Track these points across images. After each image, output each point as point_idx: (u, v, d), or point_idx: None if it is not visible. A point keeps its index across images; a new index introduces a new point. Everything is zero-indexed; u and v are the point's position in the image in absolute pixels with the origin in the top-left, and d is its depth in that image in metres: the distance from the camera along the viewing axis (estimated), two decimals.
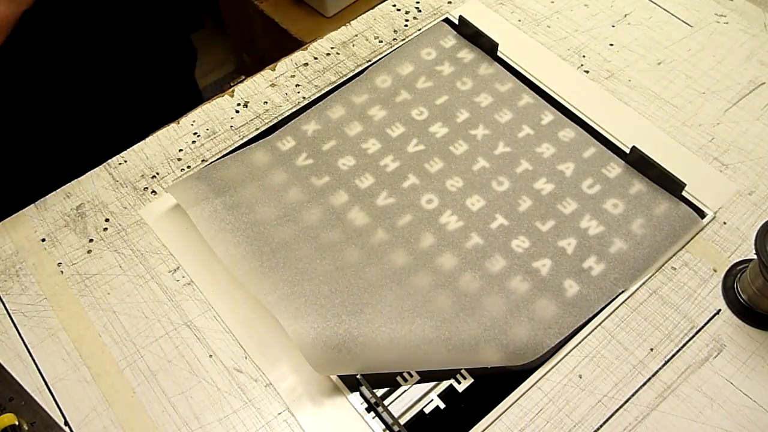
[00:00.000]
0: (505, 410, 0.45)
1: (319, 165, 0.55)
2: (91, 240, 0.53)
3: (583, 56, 0.62)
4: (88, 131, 0.70)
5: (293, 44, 1.12)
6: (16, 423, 0.44)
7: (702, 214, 0.52)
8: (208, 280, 0.50)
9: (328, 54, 0.63)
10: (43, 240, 0.53)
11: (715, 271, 0.50)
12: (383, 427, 0.44)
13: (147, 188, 0.55)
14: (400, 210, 0.53)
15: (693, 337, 0.47)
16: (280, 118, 0.59)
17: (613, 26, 0.64)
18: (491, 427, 0.44)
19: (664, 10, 0.65)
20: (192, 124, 0.59)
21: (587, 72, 0.61)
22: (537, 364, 0.46)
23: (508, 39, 0.63)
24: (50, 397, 0.46)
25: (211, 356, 0.47)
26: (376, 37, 0.65)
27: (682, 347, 0.47)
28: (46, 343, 0.48)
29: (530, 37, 0.64)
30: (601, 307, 0.48)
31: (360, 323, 0.46)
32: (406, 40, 0.64)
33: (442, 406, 0.45)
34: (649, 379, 0.46)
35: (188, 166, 0.56)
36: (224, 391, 0.46)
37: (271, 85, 0.61)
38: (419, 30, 0.64)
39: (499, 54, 0.62)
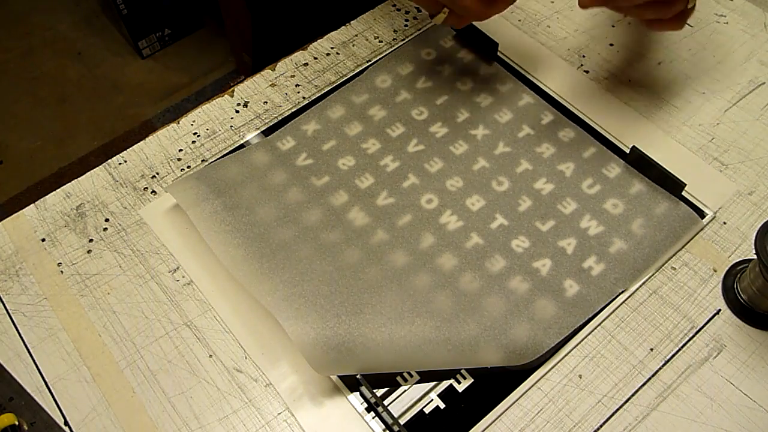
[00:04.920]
0: (505, 410, 0.45)
1: (319, 165, 0.55)
2: (91, 240, 0.53)
3: (583, 56, 0.62)
4: None
5: None
6: (16, 423, 0.44)
7: (702, 214, 0.52)
8: (208, 280, 0.50)
9: (328, 54, 0.63)
10: (43, 240, 0.53)
11: (715, 271, 0.50)
12: (383, 427, 0.44)
13: (147, 188, 0.55)
14: (400, 210, 0.53)
15: (693, 337, 0.47)
16: (280, 118, 0.59)
17: (613, 26, 0.64)
18: (491, 427, 0.44)
19: None
20: (192, 124, 0.59)
21: (587, 72, 0.61)
22: (537, 364, 0.46)
23: (508, 39, 0.63)
24: (50, 397, 0.46)
25: (211, 356, 0.47)
26: (376, 37, 0.65)
27: (682, 347, 0.47)
28: (46, 343, 0.48)
29: (530, 37, 0.64)
30: (601, 307, 0.48)
31: (360, 323, 0.46)
32: (406, 40, 0.64)
33: (442, 406, 0.45)
34: (649, 379, 0.46)
35: (188, 166, 0.56)
36: (224, 391, 0.46)
37: (271, 85, 0.61)
38: (419, 30, 0.64)
39: (499, 54, 0.62)
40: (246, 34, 1.41)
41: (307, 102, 0.60)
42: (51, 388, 0.46)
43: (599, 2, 0.50)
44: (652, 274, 0.50)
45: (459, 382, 0.46)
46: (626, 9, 0.51)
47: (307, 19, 0.75)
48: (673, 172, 0.52)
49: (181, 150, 0.57)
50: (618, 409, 0.45)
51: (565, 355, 0.47)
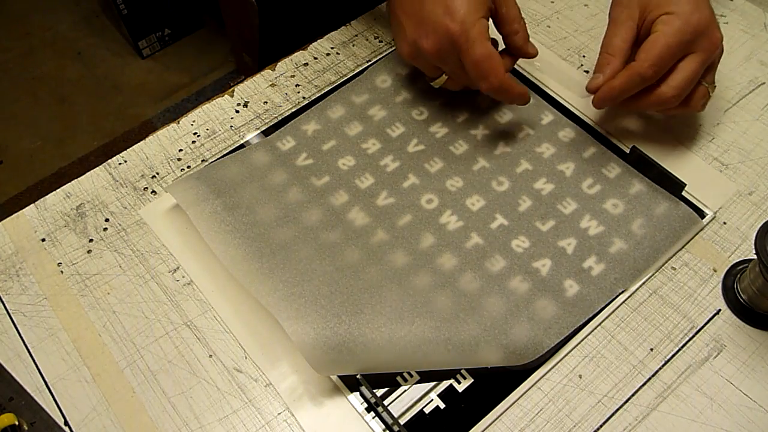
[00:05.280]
0: (505, 410, 0.45)
1: (319, 165, 0.55)
2: (91, 240, 0.53)
3: (583, 56, 0.62)
4: None
5: None
6: (16, 423, 0.44)
7: (702, 214, 0.52)
8: (208, 280, 0.50)
9: (328, 54, 0.63)
10: (43, 240, 0.53)
11: (715, 271, 0.50)
12: (383, 427, 0.44)
13: (147, 188, 0.55)
14: (400, 210, 0.53)
15: (693, 337, 0.47)
16: (280, 118, 0.59)
17: None
18: (491, 427, 0.44)
19: None
20: (192, 124, 0.59)
21: (587, 72, 0.61)
22: (537, 364, 0.46)
23: None
24: (50, 397, 0.46)
25: (211, 356, 0.47)
26: (376, 37, 0.65)
27: (682, 347, 0.47)
28: (46, 343, 0.48)
29: (530, 37, 0.63)
30: (601, 307, 0.48)
31: (360, 323, 0.46)
32: None
33: (442, 406, 0.45)
34: (649, 379, 0.46)
35: (188, 166, 0.56)
36: (224, 391, 0.46)
37: (271, 85, 0.61)
38: None
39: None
40: (246, 34, 1.41)
41: (307, 102, 0.60)
42: (51, 388, 0.46)
43: (612, 103, 0.53)
44: (652, 274, 0.50)
45: (459, 382, 0.46)
46: None
47: (312, 19, 0.75)
48: (673, 172, 0.52)
49: (181, 150, 0.57)
50: (618, 409, 0.45)
51: (565, 355, 0.47)
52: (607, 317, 0.48)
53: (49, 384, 0.46)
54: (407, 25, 0.52)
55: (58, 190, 0.55)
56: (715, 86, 0.54)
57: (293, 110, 0.59)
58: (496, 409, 0.45)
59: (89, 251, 0.52)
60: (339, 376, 0.46)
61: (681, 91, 0.51)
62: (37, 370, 0.47)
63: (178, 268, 0.51)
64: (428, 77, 0.56)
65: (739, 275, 0.49)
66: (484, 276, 0.49)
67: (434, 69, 0.54)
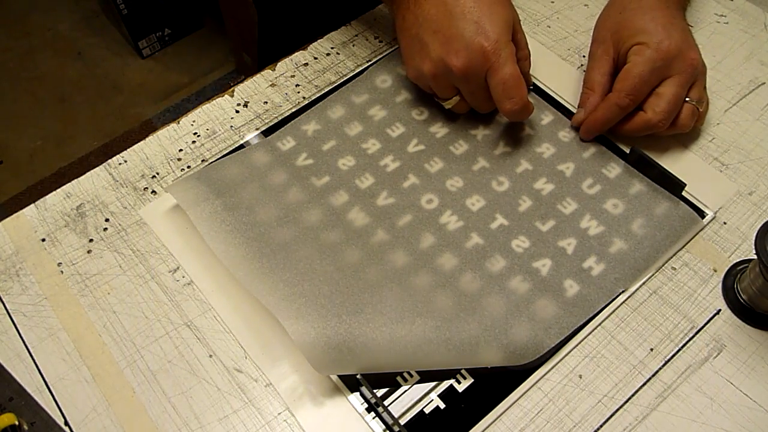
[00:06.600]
0: (505, 410, 0.45)
1: (319, 165, 0.55)
2: (91, 240, 0.53)
3: (583, 56, 0.62)
4: None
5: None
6: (16, 423, 0.44)
7: (702, 214, 0.52)
8: (208, 280, 0.50)
9: (328, 54, 0.63)
10: (43, 240, 0.53)
11: (715, 271, 0.50)
12: (383, 427, 0.44)
13: (147, 188, 0.55)
14: (400, 210, 0.53)
15: (693, 337, 0.47)
16: (280, 118, 0.59)
17: None
18: (491, 427, 0.44)
19: None
20: (192, 124, 0.59)
21: None
22: (537, 364, 0.46)
23: None
24: (50, 397, 0.46)
25: (211, 356, 0.47)
26: (376, 37, 0.65)
27: (682, 347, 0.47)
28: (46, 343, 0.48)
29: (530, 37, 0.64)
30: (601, 307, 0.48)
31: (360, 323, 0.46)
32: None
33: (442, 406, 0.45)
34: (649, 379, 0.46)
35: (188, 166, 0.56)
36: (224, 391, 0.46)
37: (271, 85, 0.61)
38: None
39: None
40: (246, 34, 1.41)
41: (307, 102, 0.60)
42: (51, 388, 0.46)
43: (598, 133, 0.56)
44: (652, 274, 0.50)
45: (459, 382, 0.46)
46: None
47: (312, 19, 0.76)
48: (673, 172, 0.52)
49: (181, 150, 0.57)
50: (618, 409, 0.45)
51: (565, 355, 0.47)
52: (607, 317, 0.48)
53: (49, 384, 0.46)
54: (433, 43, 0.52)
55: (58, 190, 0.55)
56: (705, 101, 0.55)
57: (293, 110, 0.59)
58: (496, 409, 0.45)
59: (89, 251, 0.52)
60: (339, 376, 0.46)
61: (667, 114, 0.52)
62: (37, 370, 0.47)
63: (178, 268, 0.51)
64: (440, 98, 0.56)
65: (739, 275, 0.49)
66: (485, 276, 0.49)
67: (451, 89, 0.54)
